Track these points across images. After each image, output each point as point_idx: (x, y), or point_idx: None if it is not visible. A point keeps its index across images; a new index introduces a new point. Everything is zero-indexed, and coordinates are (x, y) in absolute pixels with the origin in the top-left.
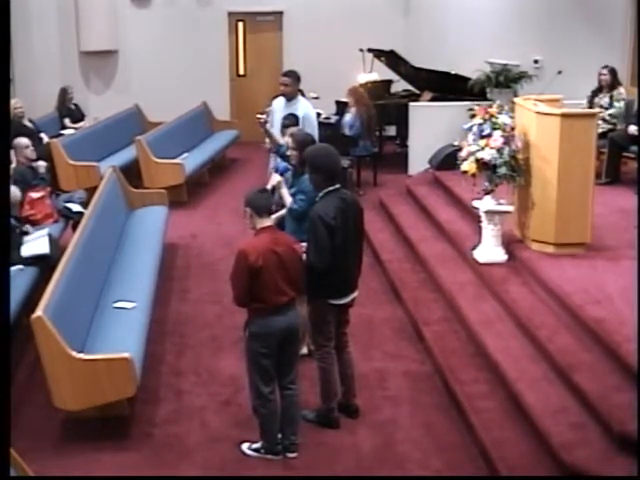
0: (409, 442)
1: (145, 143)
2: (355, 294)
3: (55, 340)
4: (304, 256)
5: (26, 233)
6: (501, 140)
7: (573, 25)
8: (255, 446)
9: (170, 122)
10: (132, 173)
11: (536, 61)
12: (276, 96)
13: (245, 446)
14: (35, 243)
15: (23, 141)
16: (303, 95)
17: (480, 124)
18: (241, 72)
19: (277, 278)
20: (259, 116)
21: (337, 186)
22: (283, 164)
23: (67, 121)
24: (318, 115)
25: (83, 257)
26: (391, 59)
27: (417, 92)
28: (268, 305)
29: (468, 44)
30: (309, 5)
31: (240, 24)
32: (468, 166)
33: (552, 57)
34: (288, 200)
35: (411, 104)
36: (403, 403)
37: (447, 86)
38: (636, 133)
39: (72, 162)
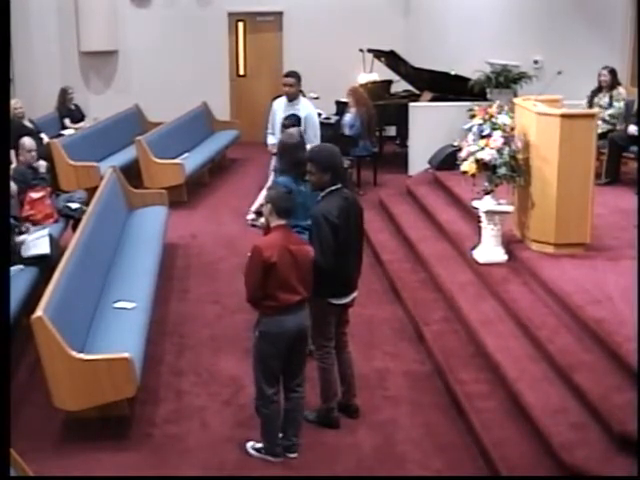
0: (409, 442)
1: (145, 143)
2: (355, 294)
3: (55, 340)
4: None
5: (22, 232)
6: (501, 140)
7: (573, 25)
8: (258, 446)
9: (170, 122)
10: (132, 173)
11: (536, 61)
12: (277, 97)
13: (249, 445)
14: (35, 243)
15: (28, 143)
16: (303, 95)
17: (480, 124)
18: (241, 72)
19: (290, 276)
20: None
21: (339, 185)
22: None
23: (67, 121)
24: (318, 115)
25: (83, 257)
26: (391, 59)
27: (417, 92)
28: (280, 304)
29: (468, 44)
30: (309, 5)
31: (240, 24)
32: (468, 166)
33: (552, 57)
34: None
35: (411, 104)
36: (403, 403)
37: (447, 86)
38: (636, 133)
39: (72, 162)
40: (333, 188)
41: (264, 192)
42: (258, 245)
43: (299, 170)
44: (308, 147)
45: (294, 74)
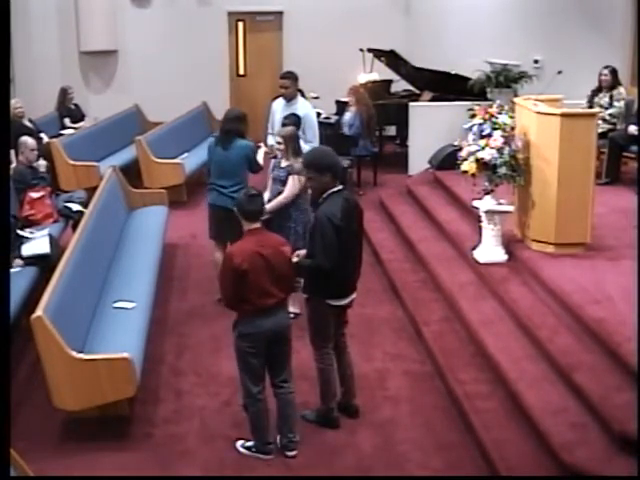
0: (409, 442)
1: (145, 143)
2: (354, 295)
3: (55, 340)
4: (295, 258)
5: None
6: (501, 140)
7: (573, 25)
8: (248, 444)
9: (170, 122)
10: (132, 173)
11: (536, 61)
12: (275, 97)
13: (239, 443)
14: (35, 243)
15: (30, 142)
16: (303, 95)
17: (480, 124)
18: (241, 72)
19: (263, 280)
20: None
21: (340, 187)
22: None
23: (67, 121)
24: (318, 115)
25: (83, 257)
26: (391, 59)
27: (417, 92)
28: (255, 307)
29: (468, 44)
30: (309, 5)
31: (240, 24)
32: (468, 166)
33: (552, 57)
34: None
35: (411, 104)
36: (403, 403)
37: (447, 86)
38: (636, 133)
39: (72, 162)
40: (335, 190)
41: (266, 193)
42: (229, 252)
43: (226, 136)
44: (307, 148)
45: (290, 75)
